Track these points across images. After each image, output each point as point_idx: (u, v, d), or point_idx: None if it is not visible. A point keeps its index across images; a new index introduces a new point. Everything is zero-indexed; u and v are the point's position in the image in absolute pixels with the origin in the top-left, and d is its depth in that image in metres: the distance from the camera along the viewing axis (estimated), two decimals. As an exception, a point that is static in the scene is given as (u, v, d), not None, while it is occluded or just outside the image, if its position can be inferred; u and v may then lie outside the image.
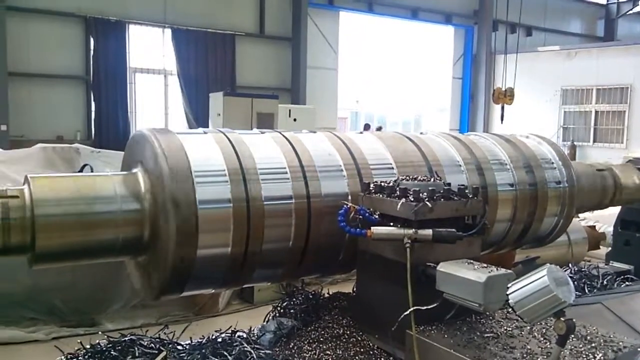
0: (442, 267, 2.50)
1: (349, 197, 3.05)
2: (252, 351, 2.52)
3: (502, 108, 16.59)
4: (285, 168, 3.02)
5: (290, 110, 12.46)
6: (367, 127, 18.28)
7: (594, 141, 20.25)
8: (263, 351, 2.57)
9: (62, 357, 2.62)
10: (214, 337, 2.86)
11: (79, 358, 2.59)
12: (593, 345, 2.47)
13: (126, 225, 2.68)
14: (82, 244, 2.59)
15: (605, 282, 4.60)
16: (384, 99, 21.87)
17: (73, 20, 15.29)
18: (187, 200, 2.65)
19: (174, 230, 2.62)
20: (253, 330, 3.13)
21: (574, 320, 1.96)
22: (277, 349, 2.78)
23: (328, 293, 3.52)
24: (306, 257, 3.06)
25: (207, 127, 12.41)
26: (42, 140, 11.80)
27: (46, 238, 2.46)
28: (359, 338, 2.83)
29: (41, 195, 2.48)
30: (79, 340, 2.73)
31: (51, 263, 2.68)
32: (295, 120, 12.36)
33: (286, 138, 3.24)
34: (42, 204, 2.46)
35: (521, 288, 2.01)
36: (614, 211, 5.89)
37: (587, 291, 4.42)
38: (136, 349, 2.62)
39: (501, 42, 18.77)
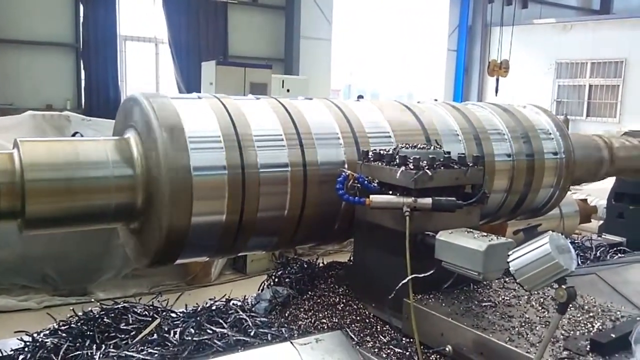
0: (442, 235, 2.47)
1: (346, 165, 3.00)
2: (247, 319, 2.49)
3: (497, 81, 16.51)
4: (281, 135, 2.95)
5: (283, 81, 12.33)
6: (360, 98, 18.15)
7: (587, 115, 20.26)
8: (259, 319, 2.54)
9: (54, 324, 2.58)
10: (208, 305, 2.82)
11: (72, 325, 2.55)
12: (591, 314, 2.46)
13: (118, 191, 2.62)
14: (73, 209, 2.53)
15: (598, 254, 4.60)
16: (378, 71, 21.70)
17: (61, -14, 14.96)
18: (180, 166, 2.59)
19: (167, 197, 2.56)
20: (247, 298, 3.11)
21: (574, 287, 1.94)
22: (273, 317, 2.75)
23: (322, 263, 3.50)
24: (301, 225, 3.02)
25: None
26: (32, 108, 11.60)
27: (36, 203, 2.39)
28: (355, 306, 2.81)
29: (31, 160, 2.41)
30: (71, 308, 2.69)
31: (42, 229, 2.62)
32: (288, 90, 12.24)
33: (282, 104, 3.17)
34: (32, 169, 2.39)
35: (522, 256, 1.98)
36: (605, 185, 5.90)
37: (579, 263, 4.42)
38: (129, 316, 2.59)
39: (497, 14, 18.59)
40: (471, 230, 2.54)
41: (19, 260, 5.56)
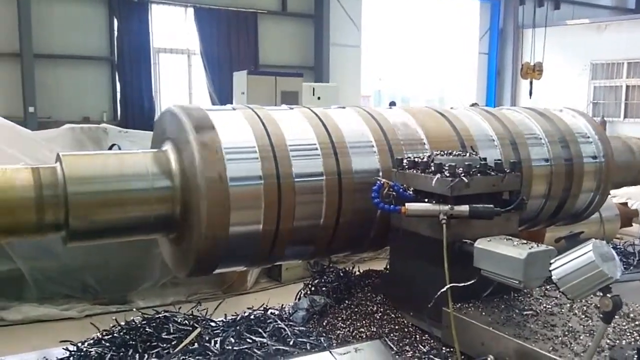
0: (480, 243, 2.44)
1: (380, 174, 2.99)
2: (286, 328, 2.50)
3: (531, 83, 16.24)
4: (315, 144, 2.97)
5: (314, 89, 12.36)
6: (392, 104, 18.07)
7: (625, 117, 19.74)
8: (297, 328, 2.55)
9: (98, 333, 2.64)
10: (247, 314, 2.84)
11: (114, 334, 2.60)
12: (637, 323, 2.40)
13: (158, 203, 2.67)
14: (115, 221, 2.59)
15: (641, 260, 4.49)
16: (408, 76, 21.59)
17: (96, 1, 15.33)
18: (217, 177, 2.62)
19: (205, 207, 2.59)
20: (285, 307, 3.12)
21: (619, 296, 1.89)
22: (311, 326, 2.76)
23: (358, 271, 3.49)
24: (337, 234, 3.02)
25: (231, 106, 12.29)
26: (69, 121, 11.94)
27: (79, 216, 2.46)
28: (393, 315, 2.80)
29: (73, 173, 2.48)
30: (113, 317, 2.75)
31: (85, 241, 2.68)
32: (319, 98, 12.26)
33: (315, 114, 3.19)
34: (75, 182, 2.45)
35: (565, 264, 1.94)
36: (642, 188, 5.73)
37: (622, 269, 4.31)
38: (170, 325, 2.62)
39: (528, 16, 18.31)
40: (510, 237, 2.51)
41: (60, 269, 5.68)
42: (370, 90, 21.51)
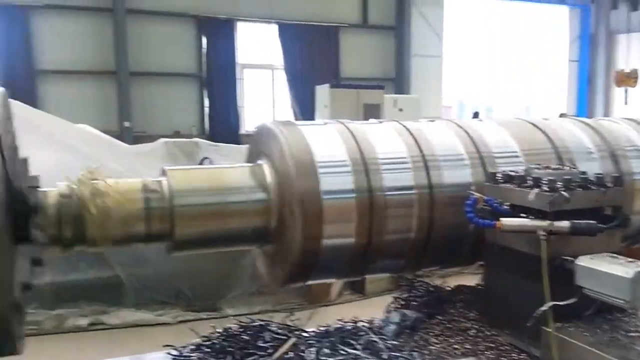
0: (582, 261, 2.35)
1: (473, 187, 2.95)
2: (378, 341, 2.51)
3: (626, 91, 15.39)
4: (406, 157, 2.98)
5: (396, 100, 12.35)
6: (475, 115, 17.65)
7: None
8: (389, 341, 2.55)
9: (199, 339, 2.76)
10: (339, 325, 2.88)
11: (213, 341, 2.71)
12: None
13: (254, 215, 2.77)
14: (216, 232, 2.71)
15: None
16: (492, 85, 21.03)
17: (186, 20, 16.10)
18: (311, 190, 2.69)
19: (299, 220, 2.66)
20: (375, 320, 3.13)
21: None
22: (402, 340, 2.75)
23: (448, 286, 3.45)
24: (428, 248, 3.01)
25: (313, 119, 12.59)
26: (162, 135, 12.58)
27: (184, 227, 2.60)
28: (488, 333, 2.74)
29: (178, 187, 2.62)
30: (212, 325, 2.86)
31: (188, 250, 2.82)
32: (401, 110, 12.24)
33: (405, 127, 3.19)
34: (180, 195, 2.60)
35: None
36: None
37: None
38: (266, 334, 2.70)
39: (621, 21, 17.39)
40: (614, 255, 2.40)
41: (155, 277, 6.00)
42: (452, 101, 21.14)
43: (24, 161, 2.43)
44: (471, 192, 2.79)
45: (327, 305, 6.43)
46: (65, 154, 5.13)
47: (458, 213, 2.78)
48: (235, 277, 6.08)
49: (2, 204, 1.96)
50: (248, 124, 17.02)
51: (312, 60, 17.15)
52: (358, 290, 6.87)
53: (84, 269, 5.73)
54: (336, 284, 6.52)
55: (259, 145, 3.05)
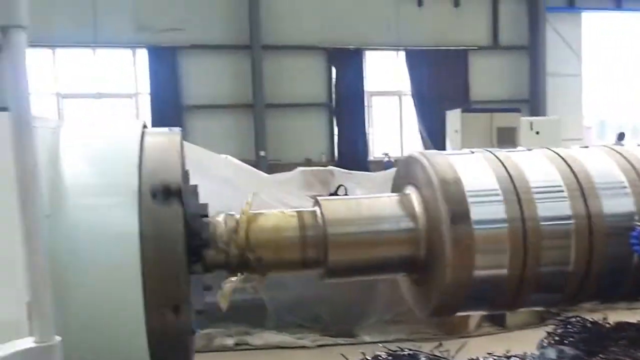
0: None
1: (636, 217, 2.76)
2: (537, 378, 2.41)
3: None
4: (561, 186, 2.86)
5: (532, 123, 11.82)
6: (621, 136, 16.35)
7: None
8: (549, 380, 2.44)
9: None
10: (488, 358, 2.80)
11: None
12: None
13: (404, 244, 2.80)
14: (366, 260, 2.79)
15: None
16: (637, 103, 19.41)
17: (317, 52, 16.76)
18: (461, 220, 2.67)
19: (450, 250, 2.65)
20: (527, 355, 3.01)
21: None
22: (562, 379, 2.62)
23: (608, 322, 3.22)
24: (587, 282, 2.84)
25: (444, 145, 12.41)
26: (294, 162, 13.10)
27: (337, 254, 2.69)
28: (661, 376, 2.52)
29: (331, 216, 2.73)
30: (361, 351, 2.92)
31: (339, 277, 2.92)
32: (537, 133, 11.70)
33: (557, 154, 3.07)
34: (333, 224, 2.70)
35: None
36: None
37: None
38: (415, 364, 2.71)
39: None
40: None
41: (295, 301, 6.21)
42: (591, 121, 19.81)
43: (194, 188, 2.69)
44: (636, 223, 2.61)
45: (465, 337, 6.23)
46: (218, 184, 5.51)
47: (620, 245, 2.62)
48: (370, 304, 6.12)
49: (182, 243, 2.21)
50: (376, 151, 17.19)
51: (440, 84, 17.02)
52: (498, 322, 6.57)
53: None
54: (475, 315, 6.31)
55: (405, 175, 3.09)
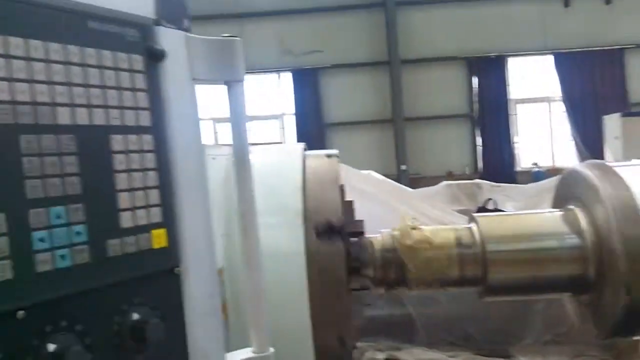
0: None
1: None
2: None
3: None
4: None
5: None
6: None
7: None
8: None
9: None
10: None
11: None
12: None
13: (569, 263, 2.65)
14: (528, 279, 2.68)
15: None
16: None
17: (456, 62, 16.45)
18: (636, 237, 2.47)
19: (623, 269, 2.47)
20: None
21: None
22: None
23: None
24: None
25: (601, 153, 11.50)
26: (434, 176, 12.93)
27: (497, 272, 2.63)
28: None
29: (489, 233, 2.67)
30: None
31: (498, 296, 2.84)
32: None
33: None
34: (492, 241, 2.64)
35: None
36: None
37: None
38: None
39: None
40: None
41: (445, 317, 6.09)
42: None
43: (350, 204, 2.78)
44: None
45: (634, 362, 5.68)
46: (367, 201, 5.62)
47: None
48: (527, 323, 5.81)
49: (343, 268, 2.37)
50: (523, 161, 16.39)
51: (594, 88, 15.85)
52: (674, 347, 5.92)
53: (381, 306, 6.12)
54: (648, 338, 5.74)
55: (568, 189, 2.94)
